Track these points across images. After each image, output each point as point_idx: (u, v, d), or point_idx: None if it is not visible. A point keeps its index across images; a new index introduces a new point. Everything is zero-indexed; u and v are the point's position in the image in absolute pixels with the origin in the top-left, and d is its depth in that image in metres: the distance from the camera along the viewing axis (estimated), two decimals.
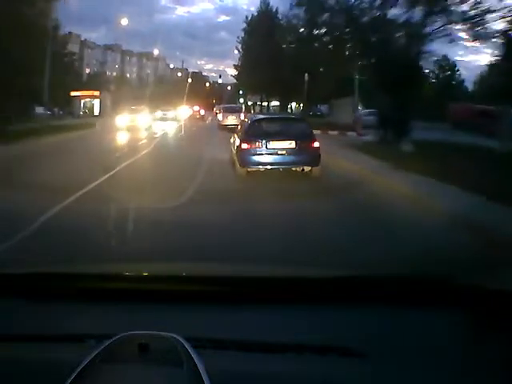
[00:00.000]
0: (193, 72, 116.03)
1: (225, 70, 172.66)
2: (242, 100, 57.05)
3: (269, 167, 9.16)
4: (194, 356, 1.00)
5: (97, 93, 42.28)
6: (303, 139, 9.19)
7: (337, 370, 1.11)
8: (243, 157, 9.26)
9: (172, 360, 0.99)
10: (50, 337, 1.25)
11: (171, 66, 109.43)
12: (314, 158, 9.13)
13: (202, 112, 43.11)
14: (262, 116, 12.04)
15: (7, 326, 1.31)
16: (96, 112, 40.90)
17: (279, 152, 9.05)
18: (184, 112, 37.08)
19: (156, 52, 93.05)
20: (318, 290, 1.38)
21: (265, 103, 47.81)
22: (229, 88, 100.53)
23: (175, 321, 1.25)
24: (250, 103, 56.75)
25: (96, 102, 42.01)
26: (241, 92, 58.31)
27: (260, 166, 9.20)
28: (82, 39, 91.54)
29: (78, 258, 3.52)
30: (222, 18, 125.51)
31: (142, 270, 1.67)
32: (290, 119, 12.04)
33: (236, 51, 52.40)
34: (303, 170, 9.38)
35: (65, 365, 1.01)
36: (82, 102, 41.75)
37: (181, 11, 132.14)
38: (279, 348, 1.17)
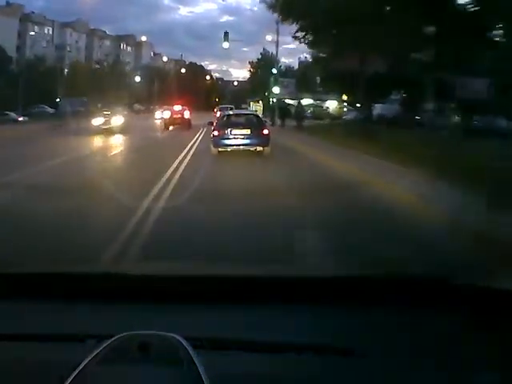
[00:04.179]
0: (190, 63, 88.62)
1: (228, 69, 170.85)
2: (274, 96, 30.41)
3: (233, 148, 13.39)
4: (193, 356, 0.99)
5: None
6: (256, 128, 13.57)
7: (337, 369, 1.10)
8: (215, 141, 13.60)
9: (172, 360, 0.99)
10: (50, 337, 1.24)
11: (156, 54, 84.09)
12: (265, 140, 13.29)
13: (187, 114, 27.99)
14: (229, 112, 17.28)
15: (7, 326, 1.30)
16: None
17: (239, 137, 13.35)
18: None
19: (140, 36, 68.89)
20: (318, 290, 1.37)
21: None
22: (235, 83, 78.45)
23: (175, 321, 1.24)
24: (272, 100, 30.63)
25: None
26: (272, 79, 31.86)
27: (227, 147, 13.45)
28: (26, 12, 64.28)
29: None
30: (226, 18, 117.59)
31: (142, 269, 1.65)
32: (248, 114, 17.40)
33: None
34: (256, 149, 13.36)
35: (65, 365, 1.00)
36: None
37: (184, 11, 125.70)
38: (279, 348, 1.16)
